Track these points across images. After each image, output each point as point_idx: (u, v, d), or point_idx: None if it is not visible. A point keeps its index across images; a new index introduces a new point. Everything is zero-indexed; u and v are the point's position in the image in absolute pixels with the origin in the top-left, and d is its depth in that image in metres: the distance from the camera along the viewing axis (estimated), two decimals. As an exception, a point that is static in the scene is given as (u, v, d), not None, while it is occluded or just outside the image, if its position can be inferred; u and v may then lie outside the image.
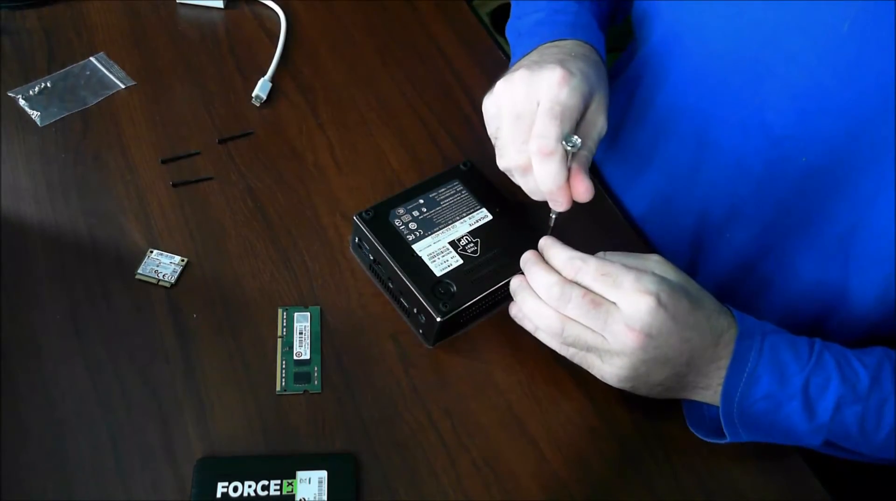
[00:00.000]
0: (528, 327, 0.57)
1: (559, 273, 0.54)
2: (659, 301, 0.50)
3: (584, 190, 0.54)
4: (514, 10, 0.72)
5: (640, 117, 0.72)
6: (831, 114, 0.56)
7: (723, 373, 0.53)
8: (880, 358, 0.55)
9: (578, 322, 0.52)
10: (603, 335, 0.52)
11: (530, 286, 0.55)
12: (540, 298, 0.54)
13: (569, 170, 0.54)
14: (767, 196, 0.63)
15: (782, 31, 0.56)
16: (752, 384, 0.53)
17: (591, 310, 0.51)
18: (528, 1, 0.69)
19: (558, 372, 0.61)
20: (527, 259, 0.56)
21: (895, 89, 0.52)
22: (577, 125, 0.56)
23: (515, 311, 0.57)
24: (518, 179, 0.58)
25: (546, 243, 0.56)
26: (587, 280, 0.53)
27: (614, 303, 0.51)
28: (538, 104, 0.54)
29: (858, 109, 0.55)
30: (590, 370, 0.55)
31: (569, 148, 0.53)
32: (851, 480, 0.67)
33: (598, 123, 0.57)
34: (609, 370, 0.53)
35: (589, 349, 0.53)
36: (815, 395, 0.53)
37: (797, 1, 0.55)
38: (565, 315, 0.53)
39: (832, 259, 0.62)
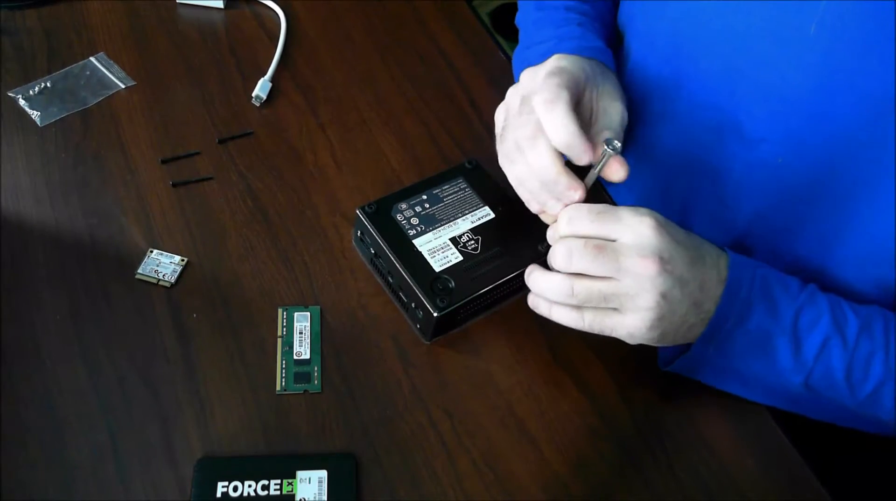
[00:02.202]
0: (544, 310, 0.55)
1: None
2: (659, 222, 0.51)
3: (618, 166, 0.54)
4: (523, 38, 0.72)
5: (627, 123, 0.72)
6: (804, 116, 0.56)
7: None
8: (873, 311, 0.56)
9: (588, 276, 0.51)
10: (616, 278, 0.50)
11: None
12: (547, 271, 0.53)
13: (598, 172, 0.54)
14: (747, 198, 0.63)
15: (751, 35, 0.57)
16: (746, 314, 0.53)
17: (597, 256, 0.50)
18: (535, 30, 0.70)
19: (558, 372, 0.61)
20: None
21: (867, 90, 0.52)
22: (591, 115, 0.57)
23: (532, 299, 0.56)
24: (526, 153, 0.55)
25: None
26: (585, 224, 0.52)
27: (617, 240, 0.51)
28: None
29: (831, 110, 0.54)
30: (614, 334, 0.53)
31: (610, 150, 0.53)
32: (851, 480, 0.67)
33: (613, 108, 0.58)
34: (634, 317, 0.51)
35: (606, 300, 0.51)
36: (803, 330, 0.53)
37: (765, 4, 0.55)
38: (573, 273, 0.52)
39: (817, 257, 0.62)
